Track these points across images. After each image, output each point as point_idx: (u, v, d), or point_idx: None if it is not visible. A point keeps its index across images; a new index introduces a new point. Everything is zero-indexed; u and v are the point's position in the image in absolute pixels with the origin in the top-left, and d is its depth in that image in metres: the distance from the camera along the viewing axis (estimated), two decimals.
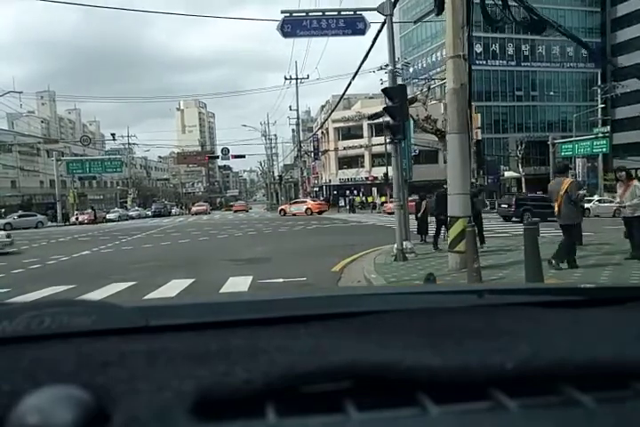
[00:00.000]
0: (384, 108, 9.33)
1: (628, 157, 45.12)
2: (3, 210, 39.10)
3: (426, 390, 0.49)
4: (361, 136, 49.68)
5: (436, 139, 26.30)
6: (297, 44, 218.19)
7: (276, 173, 69.60)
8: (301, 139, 54.35)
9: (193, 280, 8.39)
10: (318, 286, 7.47)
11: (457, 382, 0.50)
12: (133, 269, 10.12)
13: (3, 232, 16.11)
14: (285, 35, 10.14)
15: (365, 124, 47.33)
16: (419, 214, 13.19)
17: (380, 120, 29.63)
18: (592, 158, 42.81)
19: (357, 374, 0.50)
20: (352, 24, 10.09)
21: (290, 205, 39.89)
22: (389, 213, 32.19)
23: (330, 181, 52.87)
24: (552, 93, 51.82)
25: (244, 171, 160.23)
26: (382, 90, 9.44)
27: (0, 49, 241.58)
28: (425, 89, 17.40)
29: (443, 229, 10.52)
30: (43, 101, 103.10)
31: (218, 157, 61.51)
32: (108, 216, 42.97)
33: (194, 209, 55.98)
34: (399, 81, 11.21)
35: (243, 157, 57.60)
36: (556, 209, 7.32)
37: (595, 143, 36.96)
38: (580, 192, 8.53)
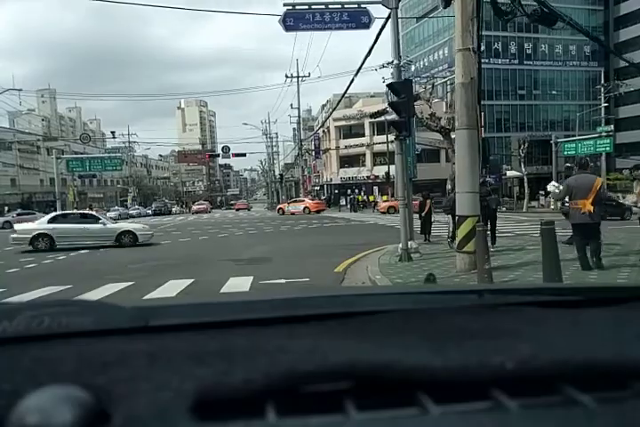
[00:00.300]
0: (389, 104, 9.05)
1: (630, 156, 44.84)
2: (6, 207, 38.94)
3: (426, 390, 0.49)
4: (362, 135, 49.44)
5: (438, 137, 25.97)
6: (298, 44, 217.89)
7: (276, 172, 69.32)
8: (302, 137, 54.07)
9: (192, 281, 8.15)
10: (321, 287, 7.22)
11: (457, 382, 0.50)
12: (131, 269, 9.89)
13: (144, 225, 16.68)
14: (287, 28, 9.86)
15: (367, 122, 47.05)
16: (423, 213, 12.95)
17: (382, 118, 29.47)
18: (594, 158, 42.50)
19: (357, 374, 0.50)
20: (356, 17, 9.81)
21: (288, 204, 39.82)
22: (383, 213, 32.05)
23: (331, 179, 52.63)
24: (555, 92, 51.44)
25: (245, 170, 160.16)
26: (387, 85, 9.16)
27: (1, 48, 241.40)
28: (429, 86, 17.09)
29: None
30: (43, 99, 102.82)
31: (218, 155, 61.37)
32: (107, 215, 42.70)
33: (194, 208, 55.89)
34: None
35: (243, 155, 57.43)
36: (590, 207, 6.67)
37: (598, 142, 36.64)
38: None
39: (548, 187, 8.56)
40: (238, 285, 7.65)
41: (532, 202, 38.16)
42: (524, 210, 33.71)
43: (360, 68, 14.00)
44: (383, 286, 5.89)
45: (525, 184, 37.00)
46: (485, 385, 0.50)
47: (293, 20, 9.83)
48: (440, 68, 50.33)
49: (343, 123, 50.50)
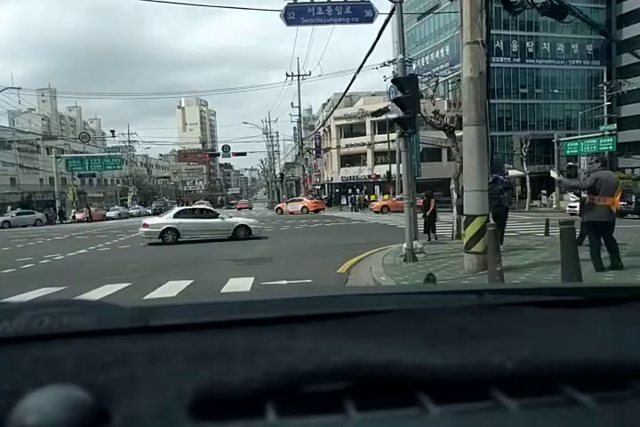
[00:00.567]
0: (394, 100, 8.79)
1: (633, 155, 44.55)
2: (9, 207, 38.74)
3: (426, 390, 0.49)
4: (363, 134, 49.22)
5: (440, 136, 25.73)
6: (299, 42, 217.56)
7: (277, 172, 69.07)
8: (303, 136, 53.83)
9: (191, 282, 7.92)
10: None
11: (457, 382, 0.50)
12: (129, 270, 9.65)
13: (255, 220, 17.44)
14: (289, 23, 9.60)
15: (368, 121, 46.83)
16: (427, 213, 12.73)
17: (384, 117, 29.20)
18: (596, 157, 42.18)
19: (357, 374, 0.50)
20: (359, 11, 9.56)
21: (286, 203, 39.75)
22: (376, 212, 31.82)
23: (332, 179, 52.40)
24: (557, 91, 51.17)
25: (245, 169, 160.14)
26: (392, 80, 8.91)
27: (1, 48, 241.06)
28: (433, 83, 16.83)
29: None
30: (44, 98, 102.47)
31: (219, 154, 61.16)
32: (107, 214, 42.50)
33: None
34: None
35: (244, 154, 57.21)
36: (618, 205, 6.55)
37: (601, 141, 36.41)
38: None
39: (551, 173, 9.01)
40: (239, 286, 7.42)
41: (535, 201, 37.95)
42: (526, 209, 33.50)
43: (362, 65, 13.79)
44: (383, 286, 5.72)
45: (527, 183, 36.79)
46: (485, 385, 0.50)
47: (295, 14, 9.58)
48: (441, 66, 50.02)
49: (344, 122, 50.30)
